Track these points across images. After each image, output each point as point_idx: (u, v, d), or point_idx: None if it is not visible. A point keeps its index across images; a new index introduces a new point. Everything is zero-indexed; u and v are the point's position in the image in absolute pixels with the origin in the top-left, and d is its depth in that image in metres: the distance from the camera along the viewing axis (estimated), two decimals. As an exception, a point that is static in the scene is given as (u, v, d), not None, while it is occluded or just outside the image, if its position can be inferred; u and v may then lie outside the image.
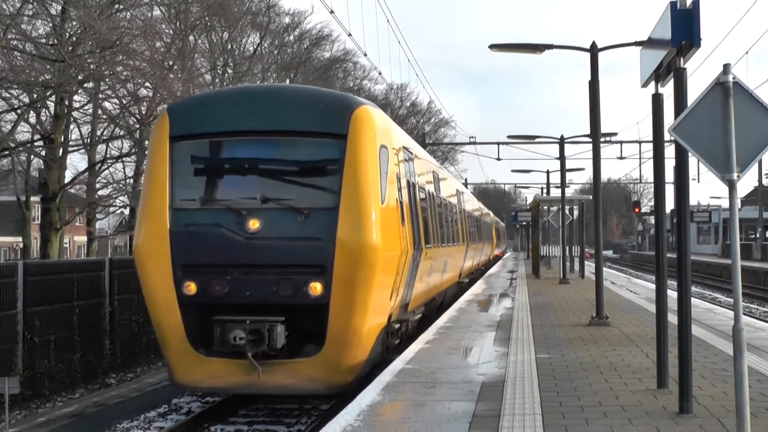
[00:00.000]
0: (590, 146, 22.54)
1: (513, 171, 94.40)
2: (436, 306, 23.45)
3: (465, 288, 32.19)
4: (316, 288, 12.98)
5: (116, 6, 30.66)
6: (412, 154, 17.42)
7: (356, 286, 13.02)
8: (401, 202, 14.85)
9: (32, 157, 38.08)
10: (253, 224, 13.19)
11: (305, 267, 13.10)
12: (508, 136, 47.03)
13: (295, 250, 13.13)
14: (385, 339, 14.55)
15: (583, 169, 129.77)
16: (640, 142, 60.80)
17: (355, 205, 13.09)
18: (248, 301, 13.14)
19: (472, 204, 38.92)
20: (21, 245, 45.60)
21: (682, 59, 8.99)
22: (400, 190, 14.96)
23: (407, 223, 15.17)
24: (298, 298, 13.05)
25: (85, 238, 49.85)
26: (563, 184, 34.21)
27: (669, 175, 10.10)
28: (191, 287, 13.27)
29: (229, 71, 45.41)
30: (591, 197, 24.37)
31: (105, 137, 37.48)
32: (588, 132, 25.54)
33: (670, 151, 9.59)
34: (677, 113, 8.61)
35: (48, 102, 32.09)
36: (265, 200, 13.48)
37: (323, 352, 13.17)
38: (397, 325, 15.42)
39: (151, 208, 13.56)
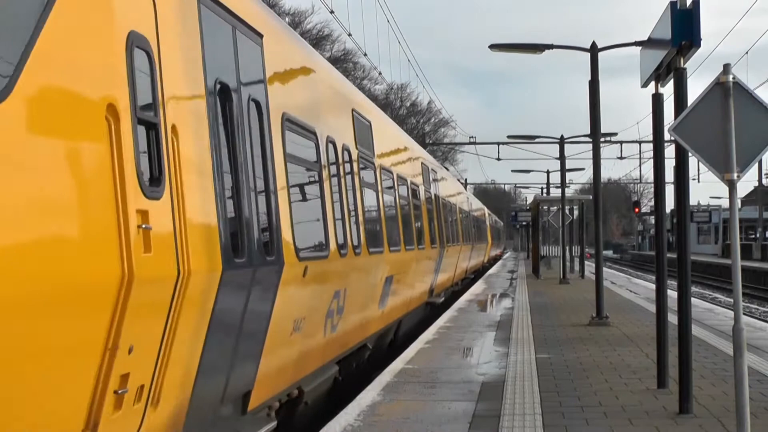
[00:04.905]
0: (590, 146, 22.54)
1: (513, 171, 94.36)
2: (384, 345, 15.35)
3: (440, 308, 22.40)
4: None
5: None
6: (279, 40, 8.42)
7: None
8: (169, 143, 5.68)
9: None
10: None
11: None
12: (508, 136, 47.09)
13: None
14: None
15: (583, 169, 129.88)
16: (640, 142, 60.91)
17: None
18: None
19: (453, 190, 29.12)
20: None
21: (682, 59, 9.02)
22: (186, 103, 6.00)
23: (197, 195, 6.04)
24: None
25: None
26: (563, 184, 34.24)
27: (669, 175, 10.12)
28: None
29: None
30: (591, 197, 24.37)
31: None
32: (588, 132, 25.55)
33: (670, 151, 9.61)
34: (677, 113, 8.61)
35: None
36: None
37: None
38: None
39: None
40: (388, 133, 15.33)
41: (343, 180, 10.76)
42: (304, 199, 9.06)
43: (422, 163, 19.92)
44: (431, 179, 21.26)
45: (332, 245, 9.78)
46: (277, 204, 7.78)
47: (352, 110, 11.94)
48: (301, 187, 8.91)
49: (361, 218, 11.67)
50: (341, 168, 10.73)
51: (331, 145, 10.24)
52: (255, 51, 7.61)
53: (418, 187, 18.57)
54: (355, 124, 11.99)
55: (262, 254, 7.20)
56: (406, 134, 20.22)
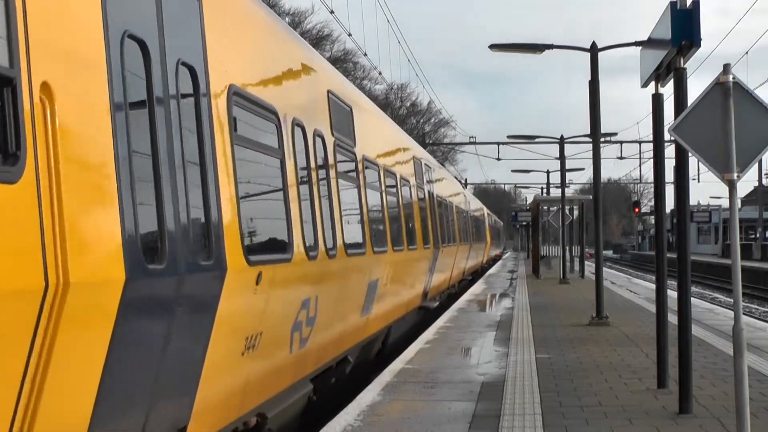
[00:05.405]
0: (590, 146, 22.54)
1: (513, 171, 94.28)
2: (371, 355, 14.07)
3: (436, 312, 21.28)
4: None
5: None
6: None
7: None
8: None
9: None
10: None
11: None
12: (508, 136, 47.12)
13: None
14: None
15: (583, 169, 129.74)
16: (640, 142, 60.93)
17: None
18: None
19: (450, 188, 27.21)
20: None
21: (682, 59, 9.02)
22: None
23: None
24: None
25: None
26: (563, 184, 34.24)
27: (669, 175, 10.12)
28: None
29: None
30: (591, 197, 24.37)
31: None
32: (588, 132, 25.56)
33: (670, 151, 9.61)
34: (677, 113, 8.61)
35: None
36: None
37: None
38: None
39: None
40: (374, 123, 13.78)
41: (313, 171, 9.23)
42: (260, 192, 7.61)
43: (415, 159, 18.43)
44: (425, 176, 19.78)
45: (297, 247, 8.26)
46: (218, 197, 6.25)
47: (328, 92, 10.44)
48: (256, 177, 7.43)
49: (336, 216, 10.17)
50: (311, 157, 9.17)
51: (298, 129, 8.73)
52: (189, 4, 6.13)
53: (410, 183, 17.10)
54: (332, 108, 10.48)
55: (193, 258, 5.74)
56: (399, 128, 18.71)
